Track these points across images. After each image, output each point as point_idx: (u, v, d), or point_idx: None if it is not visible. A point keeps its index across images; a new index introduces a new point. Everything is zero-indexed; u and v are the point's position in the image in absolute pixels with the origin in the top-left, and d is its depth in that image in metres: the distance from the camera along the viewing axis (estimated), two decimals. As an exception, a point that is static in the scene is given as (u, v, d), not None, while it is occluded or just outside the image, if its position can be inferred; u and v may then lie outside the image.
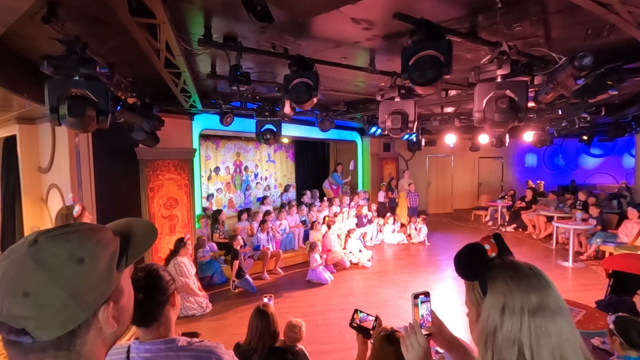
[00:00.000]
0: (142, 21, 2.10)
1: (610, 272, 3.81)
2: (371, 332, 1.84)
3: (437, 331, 1.19)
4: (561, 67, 2.76)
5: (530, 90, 3.41)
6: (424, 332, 1.14)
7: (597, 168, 12.70)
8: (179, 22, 2.61)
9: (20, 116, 5.22)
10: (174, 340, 1.21)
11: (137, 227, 0.73)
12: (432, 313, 1.20)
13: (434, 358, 1.75)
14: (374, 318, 1.91)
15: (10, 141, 5.65)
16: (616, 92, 3.00)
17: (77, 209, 2.72)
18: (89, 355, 0.60)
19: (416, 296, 1.18)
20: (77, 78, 2.60)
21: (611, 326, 2.27)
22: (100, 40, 3.00)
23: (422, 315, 1.18)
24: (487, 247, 0.98)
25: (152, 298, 1.21)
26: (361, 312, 1.94)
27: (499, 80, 2.74)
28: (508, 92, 2.68)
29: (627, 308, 3.37)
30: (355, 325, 1.91)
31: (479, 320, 0.87)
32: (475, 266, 0.92)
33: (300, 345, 2.76)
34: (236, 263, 5.75)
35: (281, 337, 2.74)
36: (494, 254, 0.98)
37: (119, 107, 3.40)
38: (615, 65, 3.04)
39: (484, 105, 2.75)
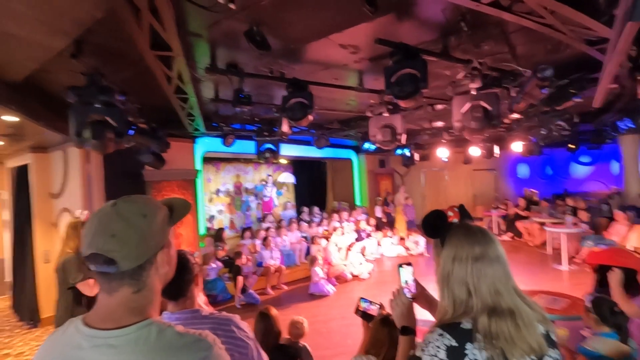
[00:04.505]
0: (160, 54, 2.45)
1: (596, 267, 4.03)
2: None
3: (420, 295, 1.44)
4: (527, 79, 3.11)
5: (505, 101, 3.77)
6: (409, 295, 1.39)
7: (588, 176, 13.03)
8: (187, 52, 2.96)
9: (34, 145, 5.54)
10: (198, 311, 1.46)
11: (176, 201, 1.02)
12: (415, 280, 1.45)
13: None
14: (378, 306, 2.11)
15: (22, 170, 5.94)
16: (580, 100, 3.34)
17: (85, 213, 2.94)
18: (150, 285, 0.87)
19: (401, 265, 1.44)
20: (97, 105, 2.92)
21: (588, 304, 2.48)
22: (115, 72, 3.34)
23: (406, 282, 1.43)
24: (450, 214, 1.27)
25: (181, 276, 1.46)
26: (365, 300, 2.14)
27: (473, 92, 3.08)
28: (482, 103, 3.02)
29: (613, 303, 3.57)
30: (359, 313, 2.12)
31: (438, 267, 1.14)
32: (436, 227, 1.19)
33: (303, 342, 2.95)
34: (240, 279, 5.92)
35: (285, 335, 2.94)
36: (455, 220, 1.25)
37: (131, 131, 3.72)
38: (577, 75, 3.40)
39: (461, 115, 3.09)
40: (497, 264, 1.06)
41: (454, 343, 0.97)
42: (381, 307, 2.07)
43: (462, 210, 1.29)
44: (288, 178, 11.16)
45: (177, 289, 1.45)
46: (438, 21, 2.68)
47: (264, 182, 10.55)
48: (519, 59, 3.44)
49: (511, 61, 3.36)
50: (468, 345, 0.96)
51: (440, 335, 0.99)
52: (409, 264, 1.45)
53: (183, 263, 1.50)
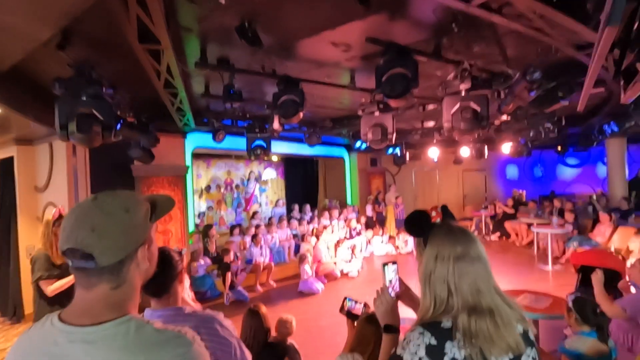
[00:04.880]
0: (149, 47, 2.41)
1: (578, 267, 4.11)
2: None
3: (404, 293, 1.45)
4: (516, 81, 3.15)
5: (495, 103, 3.81)
6: (393, 293, 1.40)
7: (575, 178, 13.28)
8: (177, 46, 2.92)
9: (18, 138, 5.42)
10: (181, 308, 1.45)
11: (159, 197, 0.99)
12: (399, 278, 1.46)
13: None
14: (362, 305, 2.13)
15: (6, 162, 5.81)
16: (567, 103, 3.39)
17: (53, 210, 2.92)
18: (130, 281, 0.85)
19: (385, 264, 1.45)
20: (84, 98, 2.87)
21: (570, 304, 2.53)
22: (103, 65, 3.28)
23: (390, 281, 1.44)
24: (433, 214, 1.28)
25: (164, 273, 1.44)
26: (350, 300, 2.17)
27: (463, 93, 3.10)
28: (471, 104, 3.05)
29: (594, 298, 3.65)
30: (344, 312, 2.15)
31: (421, 266, 1.15)
32: (419, 226, 1.20)
33: (290, 340, 2.96)
34: (228, 275, 5.90)
35: (273, 333, 2.94)
36: (439, 220, 1.26)
37: (119, 125, 3.66)
38: (565, 78, 3.45)
39: (451, 115, 3.11)
40: (478, 263, 1.07)
41: (434, 341, 0.98)
42: (366, 306, 2.10)
43: (444, 210, 1.30)
44: (271, 174, 10.95)
45: (160, 286, 1.43)
46: (430, 21, 2.69)
47: (244, 179, 10.29)
48: (510, 61, 3.47)
49: (502, 63, 3.39)
50: (447, 344, 0.97)
51: (421, 333, 1.00)
52: (393, 262, 1.46)
53: (166, 260, 1.48)
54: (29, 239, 5.54)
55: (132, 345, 0.75)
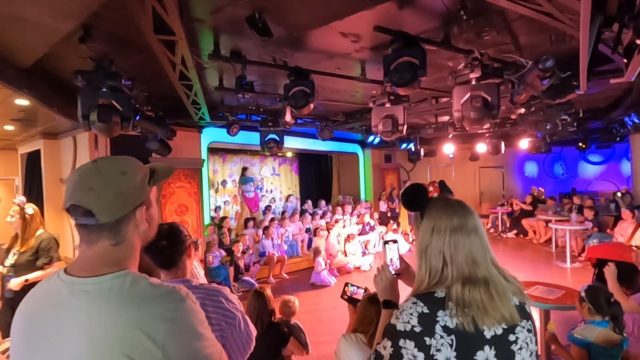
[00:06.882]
0: (163, 38, 2.51)
1: (595, 261, 4.02)
2: None
3: (404, 271, 1.48)
4: (529, 70, 3.10)
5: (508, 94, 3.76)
6: (393, 271, 1.43)
7: (598, 176, 12.83)
8: (191, 39, 3.03)
9: (45, 132, 5.69)
10: (189, 280, 1.52)
11: (159, 165, 1.04)
12: (400, 257, 1.49)
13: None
14: (363, 290, 2.18)
15: (34, 155, 6.11)
16: (582, 92, 3.31)
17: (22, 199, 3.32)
18: (129, 240, 0.90)
19: (386, 242, 1.48)
20: (104, 89, 3.01)
21: (583, 294, 2.49)
22: (122, 59, 3.42)
23: (391, 259, 1.47)
24: (431, 189, 1.30)
25: (173, 247, 1.51)
26: (352, 285, 2.22)
27: (473, 83, 3.09)
28: (482, 93, 3.03)
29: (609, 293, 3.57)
30: (346, 297, 2.20)
31: (417, 239, 1.17)
32: (416, 200, 1.22)
33: (295, 320, 3.03)
34: (231, 268, 6.04)
35: (278, 315, 3.03)
36: (435, 194, 1.29)
37: (137, 117, 3.81)
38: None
39: (461, 105, 3.10)
40: (474, 235, 1.07)
41: (426, 310, 0.99)
42: (366, 290, 2.14)
43: (442, 185, 1.32)
44: (264, 172, 10.45)
45: (169, 258, 1.51)
46: (439, 9, 2.69)
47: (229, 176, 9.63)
48: (522, 49, 3.43)
49: (514, 52, 3.34)
50: (440, 313, 0.98)
51: (414, 303, 1.02)
52: (394, 241, 1.49)
53: (175, 234, 1.55)
54: (55, 229, 5.80)
55: (127, 297, 0.80)
